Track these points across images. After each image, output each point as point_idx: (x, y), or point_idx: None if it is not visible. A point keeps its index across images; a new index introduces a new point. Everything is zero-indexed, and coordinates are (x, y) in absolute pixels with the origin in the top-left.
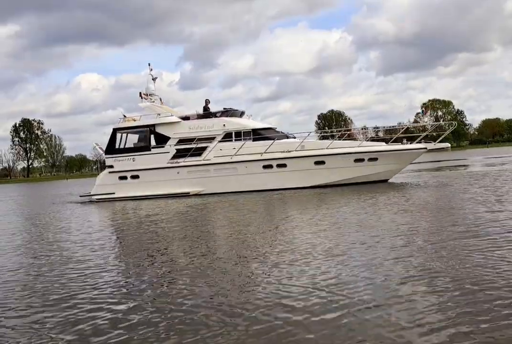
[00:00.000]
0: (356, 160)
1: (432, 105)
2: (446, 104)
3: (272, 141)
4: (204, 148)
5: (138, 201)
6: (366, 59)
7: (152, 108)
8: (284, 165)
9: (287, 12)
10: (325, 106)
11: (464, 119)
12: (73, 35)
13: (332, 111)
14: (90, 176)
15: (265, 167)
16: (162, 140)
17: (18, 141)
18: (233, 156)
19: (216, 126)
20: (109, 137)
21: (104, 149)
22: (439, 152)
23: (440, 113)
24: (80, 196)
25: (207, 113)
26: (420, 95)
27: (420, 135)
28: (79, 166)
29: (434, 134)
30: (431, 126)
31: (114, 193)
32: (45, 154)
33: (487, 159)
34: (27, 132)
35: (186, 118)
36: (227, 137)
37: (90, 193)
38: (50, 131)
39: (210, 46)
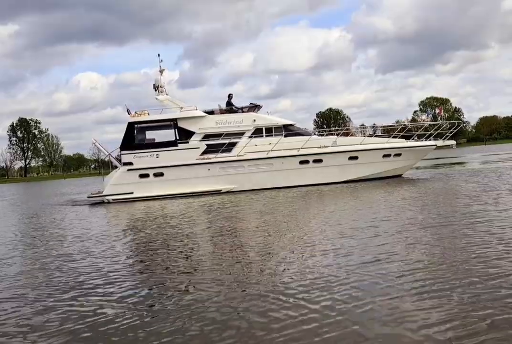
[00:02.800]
0: (384, 156)
1: (429, 103)
2: (444, 101)
3: (309, 136)
4: (234, 144)
5: (162, 201)
6: (365, 57)
7: (173, 101)
8: (320, 161)
9: (288, 10)
10: (324, 104)
11: (461, 116)
12: (73, 34)
13: (330, 109)
14: (88, 175)
15: (301, 162)
16: (185, 135)
17: (16, 140)
18: (269, 152)
19: (245, 121)
20: (124, 131)
21: (102, 145)
22: (439, 150)
23: (437, 110)
24: (88, 197)
25: (234, 108)
26: (419, 92)
27: (426, 133)
28: (77, 166)
29: (433, 132)
30: (444, 125)
31: (132, 193)
32: (42, 153)
33: (485, 157)
34: (24, 132)
35: (210, 112)
36: (257, 132)
37: (100, 193)
38: (48, 130)
39: (210, 44)
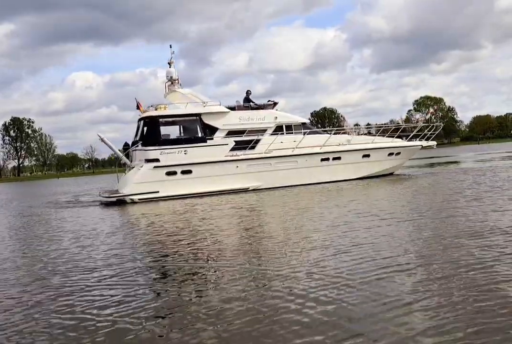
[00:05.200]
0: (389, 154)
1: (424, 102)
2: (438, 101)
3: (329, 135)
4: (258, 141)
5: (190, 200)
6: (360, 57)
7: (196, 95)
8: (339, 158)
9: (283, 10)
10: (319, 103)
11: (455, 115)
12: (69, 34)
13: (325, 108)
14: (82, 174)
15: (322, 160)
16: (209, 131)
17: (9, 139)
18: (294, 149)
19: (267, 118)
20: (142, 126)
21: (107, 141)
22: (428, 149)
23: (432, 110)
24: (107, 196)
25: (253, 105)
26: (414, 92)
27: (410, 134)
28: (71, 165)
29: (421, 132)
30: (428, 126)
31: (158, 192)
32: (35, 152)
33: (478, 155)
34: (17, 131)
35: (232, 108)
36: (278, 130)
37: (114, 192)
38: (41, 129)
39: (206, 44)
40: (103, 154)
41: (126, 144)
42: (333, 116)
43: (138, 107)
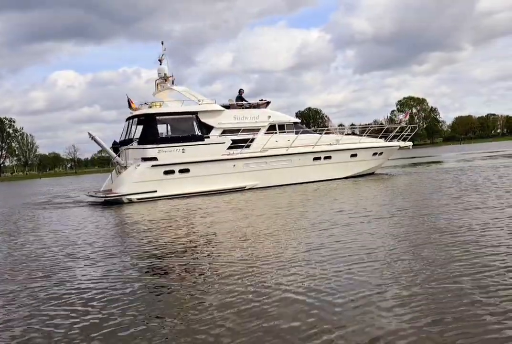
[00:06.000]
0: (374, 154)
1: (406, 103)
2: (420, 101)
3: (321, 134)
4: (252, 140)
5: (190, 199)
6: (343, 58)
7: (191, 93)
8: (329, 157)
9: (267, 10)
10: (304, 104)
11: (437, 116)
12: (51, 32)
13: (309, 108)
14: (64, 174)
15: (315, 159)
16: (205, 129)
17: None
18: (289, 148)
19: (261, 117)
20: (143, 124)
21: (98, 139)
22: (408, 149)
23: (414, 110)
24: (99, 196)
25: (246, 104)
26: (396, 92)
27: (390, 135)
28: (53, 165)
29: (399, 134)
30: (404, 128)
31: (156, 191)
32: (17, 152)
33: (460, 155)
34: None
35: (226, 107)
36: (271, 129)
37: (104, 192)
38: (22, 129)
39: (190, 43)
40: (86, 154)
41: (115, 143)
42: (317, 116)
43: (129, 105)
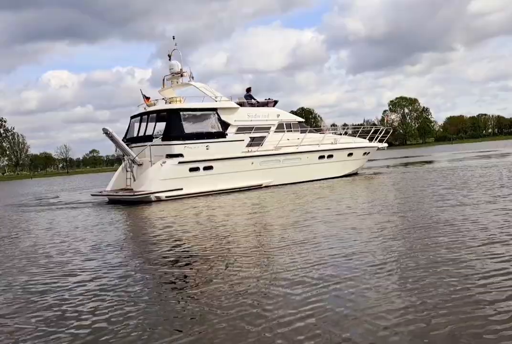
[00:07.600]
0: (364, 154)
1: (399, 103)
2: (412, 101)
3: (324, 134)
4: (264, 138)
5: (215, 197)
6: (337, 58)
7: (209, 89)
8: (331, 156)
9: (261, 11)
10: (297, 104)
11: (429, 116)
12: (45, 32)
13: (302, 108)
14: (56, 175)
15: (320, 157)
16: (222, 126)
17: None
18: (298, 147)
19: (271, 116)
20: (167, 120)
21: (115, 135)
22: (397, 149)
23: (406, 110)
24: (120, 194)
25: (255, 102)
26: (389, 92)
27: (366, 136)
28: (44, 165)
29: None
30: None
31: (182, 189)
32: (7, 152)
33: (452, 155)
34: None
35: (240, 104)
36: (279, 127)
37: (130, 190)
38: (14, 129)
39: (183, 43)
40: (78, 154)
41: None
42: (310, 116)
43: (145, 101)
